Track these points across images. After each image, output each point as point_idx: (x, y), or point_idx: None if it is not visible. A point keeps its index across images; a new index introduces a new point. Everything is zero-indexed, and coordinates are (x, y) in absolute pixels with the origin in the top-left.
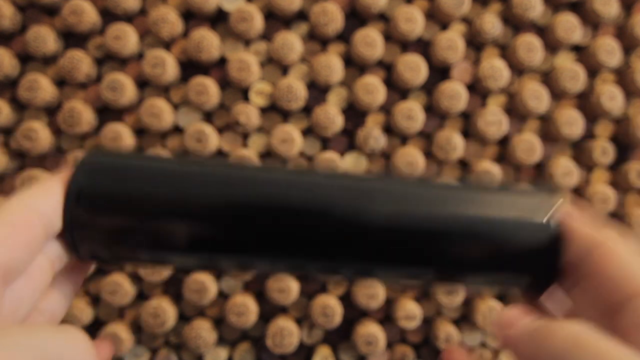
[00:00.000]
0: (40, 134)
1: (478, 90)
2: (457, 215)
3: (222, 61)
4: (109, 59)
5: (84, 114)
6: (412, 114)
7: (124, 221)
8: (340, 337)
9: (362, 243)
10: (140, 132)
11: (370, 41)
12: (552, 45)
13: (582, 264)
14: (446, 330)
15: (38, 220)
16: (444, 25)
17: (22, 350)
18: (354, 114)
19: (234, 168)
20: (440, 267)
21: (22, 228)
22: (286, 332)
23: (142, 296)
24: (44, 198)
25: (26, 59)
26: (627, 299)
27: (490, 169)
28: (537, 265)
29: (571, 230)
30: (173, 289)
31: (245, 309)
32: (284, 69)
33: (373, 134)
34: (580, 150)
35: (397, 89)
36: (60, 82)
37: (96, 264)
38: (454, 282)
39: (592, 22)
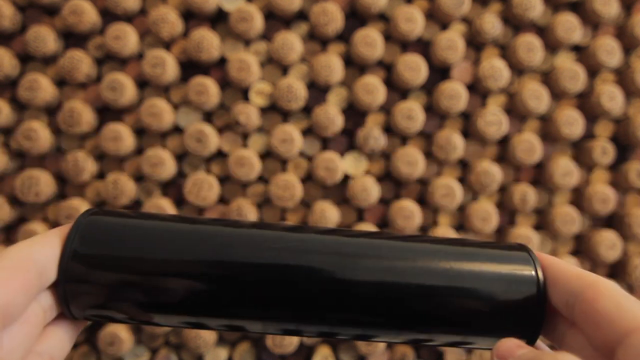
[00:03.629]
0: (40, 134)
1: (478, 90)
2: (445, 273)
3: (222, 61)
4: (109, 59)
5: (84, 114)
6: (412, 114)
7: (116, 282)
8: None
9: (353, 308)
10: (140, 132)
11: (370, 41)
12: (552, 45)
13: (572, 305)
14: None
15: (34, 267)
16: (444, 25)
17: None
18: (354, 114)
19: (226, 228)
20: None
21: (20, 273)
22: None
23: None
24: (41, 248)
25: (26, 59)
26: (625, 335)
27: (490, 169)
28: (527, 317)
29: (558, 273)
30: None
31: None
32: (284, 69)
33: (373, 134)
34: (580, 150)
35: (397, 89)
36: (60, 82)
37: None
38: (439, 344)
39: (592, 22)
